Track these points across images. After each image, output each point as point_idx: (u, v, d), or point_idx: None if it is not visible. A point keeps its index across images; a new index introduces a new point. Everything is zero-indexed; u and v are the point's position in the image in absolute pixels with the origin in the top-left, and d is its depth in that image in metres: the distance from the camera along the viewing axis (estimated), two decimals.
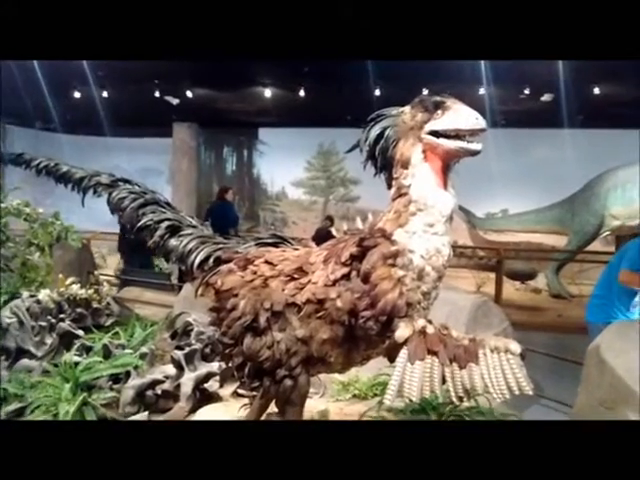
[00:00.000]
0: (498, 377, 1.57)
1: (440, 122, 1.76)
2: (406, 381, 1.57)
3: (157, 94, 9.65)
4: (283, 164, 13.11)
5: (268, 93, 9.51)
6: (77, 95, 9.64)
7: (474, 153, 1.77)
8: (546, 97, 8.80)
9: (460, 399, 1.59)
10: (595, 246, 9.93)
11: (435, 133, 1.76)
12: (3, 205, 4.57)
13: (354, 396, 2.87)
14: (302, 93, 9.33)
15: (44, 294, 3.58)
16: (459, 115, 1.74)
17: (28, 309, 3.43)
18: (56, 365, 2.96)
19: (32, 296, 3.62)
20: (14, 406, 2.71)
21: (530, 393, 1.55)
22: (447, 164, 1.82)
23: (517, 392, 1.55)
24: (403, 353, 1.62)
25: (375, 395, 2.85)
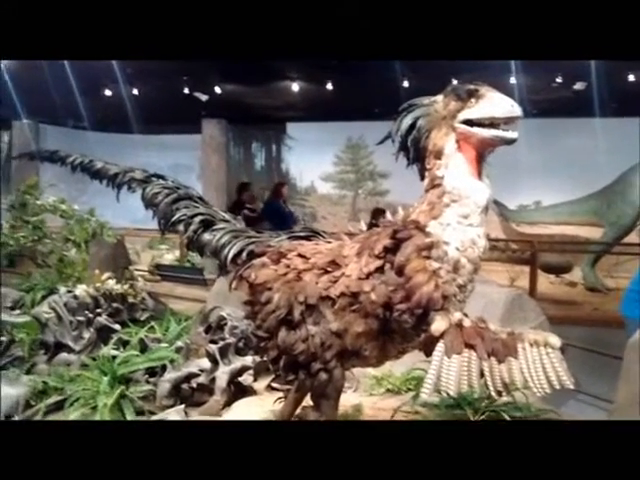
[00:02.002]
0: (538, 371, 1.53)
1: (474, 110, 1.72)
2: (443, 375, 1.55)
3: (186, 91, 9.72)
4: (312, 158, 13.10)
5: (296, 87, 9.49)
6: (107, 93, 9.78)
7: (510, 141, 1.73)
8: (579, 85, 8.59)
9: (499, 394, 1.56)
10: (632, 238, 9.67)
11: (469, 122, 1.73)
12: (39, 202, 4.68)
13: (388, 390, 2.86)
14: (330, 87, 9.30)
15: (81, 289, 3.65)
16: (494, 103, 1.71)
17: (66, 304, 3.49)
18: (94, 359, 3.02)
19: (69, 291, 3.69)
20: (54, 399, 2.77)
21: (571, 387, 1.52)
22: (481, 154, 1.79)
23: (558, 387, 1.52)
24: (439, 347, 1.60)
25: (409, 390, 2.82)
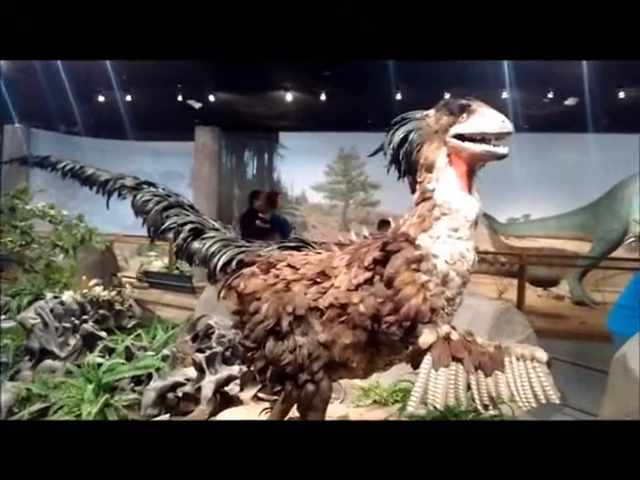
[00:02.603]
0: (524, 385, 1.54)
1: (466, 125, 1.74)
2: (430, 388, 1.55)
3: (180, 98, 9.72)
4: (303, 168, 13.12)
5: (289, 97, 9.51)
6: (101, 99, 9.75)
7: (500, 157, 1.75)
8: (570, 101, 8.68)
9: (486, 407, 1.56)
10: (619, 253, 9.77)
11: (460, 137, 1.75)
12: (28, 207, 4.64)
13: (374, 402, 2.85)
14: (323, 97, 9.33)
15: (68, 295, 3.61)
16: (485, 118, 1.73)
17: (52, 310, 3.46)
18: (79, 366, 2.99)
19: (56, 297, 3.66)
20: (38, 406, 2.74)
21: (557, 402, 1.52)
22: (472, 168, 1.81)
23: (544, 401, 1.52)
24: (427, 359, 1.60)
25: (396, 401, 2.82)
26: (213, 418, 2.67)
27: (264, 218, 7.37)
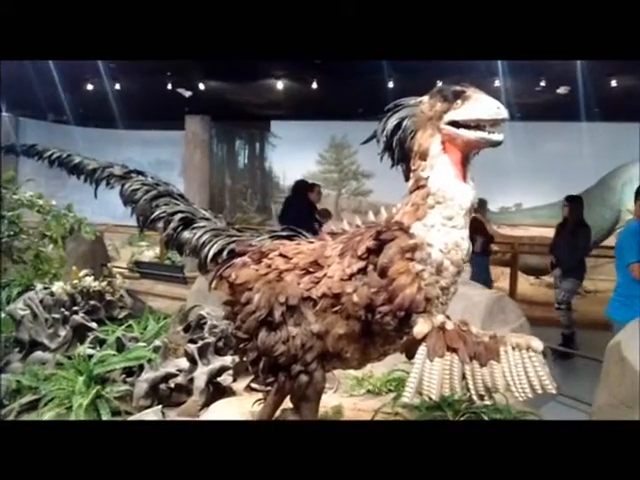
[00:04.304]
0: (520, 375, 1.53)
1: (460, 112, 1.71)
2: (425, 378, 1.53)
3: (169, 87, 9.62)
4: (295, 157, 13.06)
5: (280, 86, 9.44)
6: (90, 87, 9.65)
7: (495, 144, 1.72)
8: (562, 90, 8.66)
9: (481, 397, 1.55)
10: (610, 241, 9.79)
11: (455, 123, 1.72)
12: (16, 197, 4.57)
13: (368, 391, 2.83)
14: (314, 85, 9.26)
15: (57, 286, 3.57)
16: (480, 104, 1.70)
17: (42, 301, 3.42)
18: (70, 358, 2.95)
19: (46, 288, 3.62)
20: (28, 398, 2.71)
21: (553, 392, 1.51)
22: (466, 155, 1.78)
23: (540, 391, 1.51)
24: (422, 350, 1.58)
25: (390, 391, 2.80)
26: (205, 409, 2.64)
27: (322, 223, 6.69)
